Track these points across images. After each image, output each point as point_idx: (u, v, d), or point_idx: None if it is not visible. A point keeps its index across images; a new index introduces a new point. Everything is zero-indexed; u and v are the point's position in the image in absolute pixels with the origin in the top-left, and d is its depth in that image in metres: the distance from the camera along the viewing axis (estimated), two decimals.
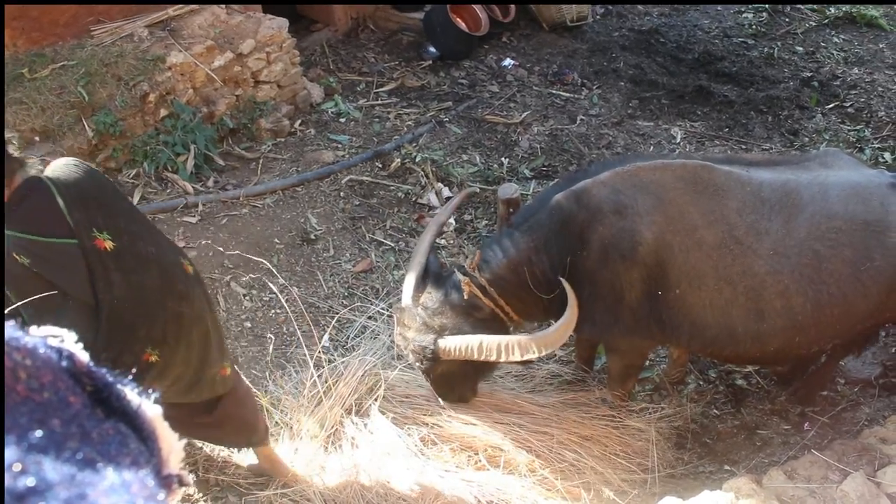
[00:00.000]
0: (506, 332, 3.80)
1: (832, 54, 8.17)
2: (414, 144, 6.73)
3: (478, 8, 8.29)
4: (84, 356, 0.79)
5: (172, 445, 0.81)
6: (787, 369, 4.66)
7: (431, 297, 3.74)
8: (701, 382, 4.79)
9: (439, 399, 4.07)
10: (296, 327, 4.99)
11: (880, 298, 3.58)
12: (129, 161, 5.96)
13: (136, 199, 5.73)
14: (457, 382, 3.92)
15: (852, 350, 4.38)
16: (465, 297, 3.65)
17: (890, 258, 3.50)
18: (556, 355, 4.67)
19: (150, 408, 0.81)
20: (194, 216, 5.71)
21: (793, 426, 4.47)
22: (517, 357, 3.52)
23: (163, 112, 6.06)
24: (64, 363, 0.75)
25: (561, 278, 3.61)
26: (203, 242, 5.49)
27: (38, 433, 0.64)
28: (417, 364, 3.78)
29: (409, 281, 3.81)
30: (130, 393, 0.80)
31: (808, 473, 3.50)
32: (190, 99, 6.23)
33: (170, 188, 5.96)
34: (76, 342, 0.79)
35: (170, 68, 6.03)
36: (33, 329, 0.77)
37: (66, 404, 0.71)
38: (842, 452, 3.59)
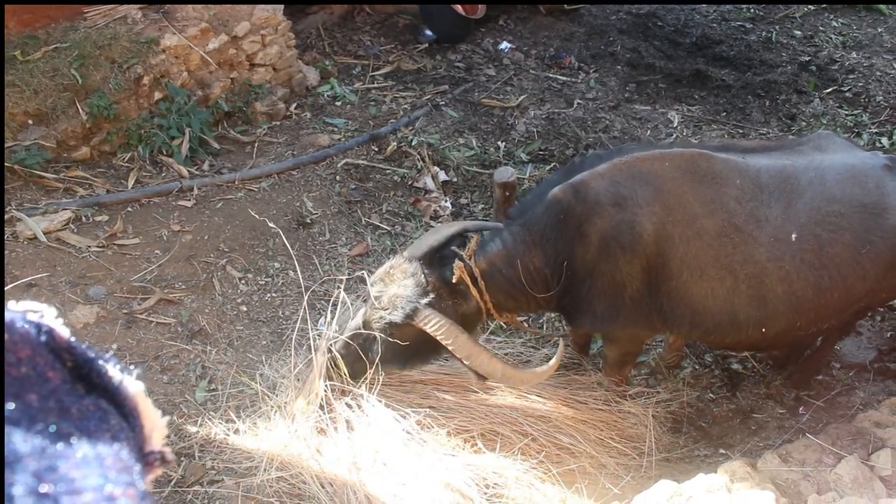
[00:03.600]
0: (481, 323, 3.81)
1: (830, 38, 8.13)
2: (410, 128, 6.70)
3: None
4: (65, 331, 0.77)
5: (155, 422, 0.80)
6: (783, 354, 4.67)
7: (435, 268, 3.69)
8: (697, 367, 4.80)
9: (341, 360, 3.85)
10: (292, 311, 5.01)
11: (877, 279, 3.60)
12: (123, 144, 5.92)
13: (130, 184, 5.70)
14: (387, 353, 3.74)
15: (847, 332, 4.39)
16: (455, 280, 3.62)
17: (888, 239, 3.51)
18: (552, 339, 4.67)
19: (131, 384, 0.79)
20: (189, 200, 5.68)
21: (788, 410, 4.48)
22: (480, 369, 3.52)
23: (157, 95, 6.02)
24: (43, 338, 0.74)
25: (560, 339, 3.62)
26: (198, 226, 5.46)
27: (11, 406, 0.62)
28: (383, 311, 3.57)
29: (426, 243, 3.75)
30: (112, 369, 0.78)
31: (803, 457, 3.51)
32: (184, 82, 6.18)
33: (165, 172, 5.92)
34: (56, 317, 0.78)
35: (164, 51, 5.98)
36: (12, 304, 0.75)
37: (44, 379, 0.70)
38: (836, 436, 3.59)
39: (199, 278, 5.10)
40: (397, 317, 3.54)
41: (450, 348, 3.51)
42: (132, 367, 0.81)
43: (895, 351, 4.79)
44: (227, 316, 4.92)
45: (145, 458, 0.77)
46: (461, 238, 3.88)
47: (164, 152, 5.99)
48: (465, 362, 3.54)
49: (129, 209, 5.52)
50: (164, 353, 4.53)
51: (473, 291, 3.66)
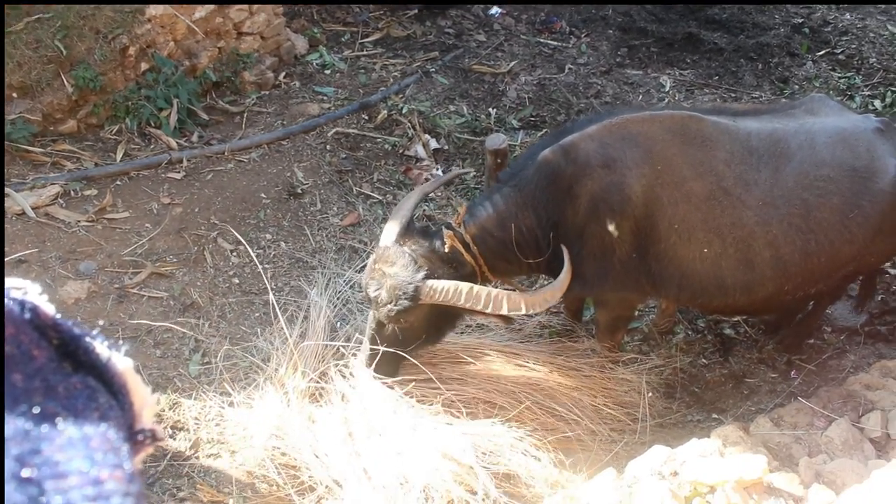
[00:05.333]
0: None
1: None
2: (400, 96, 6.64)
3: None
4: (50, 308, 0.76)
5: (145, 399, 0.79)
6: (775, 318, 4.68)
7: (418, 243, 3.66)
8: (689, 332, 4.81)
9: (372, 367, 3.81)
10: (284, 282, 4.99)
11: (865, 243, 3.62)
12: (110, 117, 5.85)
13: (119, 157, 5.65)
14: (408, 341, 3.73)
15: (837, 296, 4.41)
16: (447, 250, 3.60)
17: (876, 204, 3.52)
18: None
19: (120, 361, 0.78)
20: (179, 172, 5.64)
21: (780, 374, 4.51)
22: (504, 310, 3.48)
23: (144, 66, 5.94)
24: (27, 315, 0.72)
25: (561, 244, 3.57)
26: (189, 198, 5.43)
27: None
28: (389, 304, 3.53)
29: (392, 227, 3.71)
30: (100, 346, 0.77)
31: (795, 420, 3.54)
32: (171, 52, 6.10)
33: (153, 144, 5.87)
34: (40, 294, 0.76)
35: (149, 20, 5.89)
36: None
37: (29, 358, 0.68)
38: (827, 399, 3.62)
39: (190, 251, 5.08)
40: (404, 304, 3.50)
41: (466, 306, 3.48)
42: (120, 343, 0.79)
43: (886, 314, 4.81)
44: (219, 288, 4.90)
45: (135, 437, 0.76)
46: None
47: (153, 124, 5.92)
48: (486, 311, 3.50)
49: (118, 182, 5.47)
50: (156, 327, 4.52)
51: (467, 257, 3.65)
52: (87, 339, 0.76)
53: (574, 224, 3.59)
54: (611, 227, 3.53)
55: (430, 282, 3.48)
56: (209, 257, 5.07)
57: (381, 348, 3.70)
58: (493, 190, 3.80)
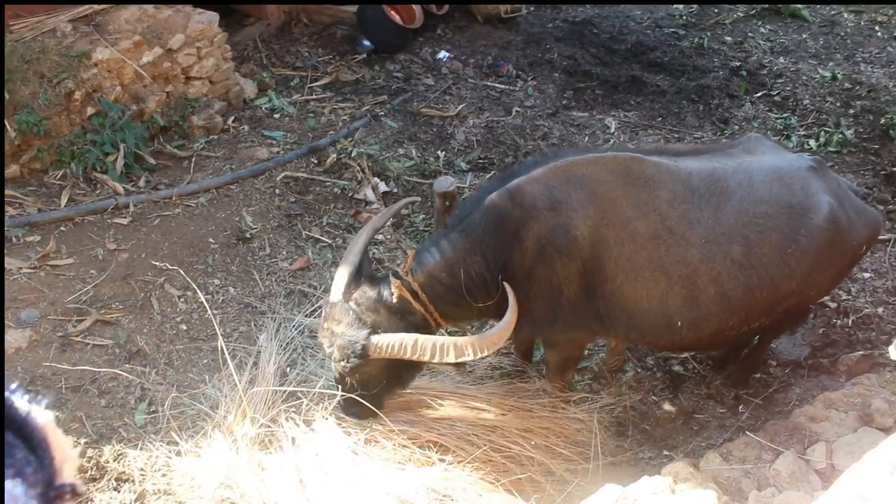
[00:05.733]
0: (432, 331, 3.76)
1: (759, 44, 8.35)
2: (349, 139, 6.67)
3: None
4: None
5: (66, 454, 0.77)
6: (722, 354, 4.76)
7: (365, 294, 3.64)
8: (639, 370, 4.86)
9: (343, 413, 3.89)
10: (233, 328, 4.93)
11: (804, 278, 3.72)
12: (55, 162, 5.78)
13: (63, 202, 5.56)
14: (372, 389, 3.76)
15: (782, 330, 4.50)
16: (395, 300, 3.60)
17: (812, 239, 3.62)
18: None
19: (41, 415, 0.76)
20: (125, 217, 5.56)
21: (728, 409, 4.56)
22: (451, 359, 3.48)
23: (90, 110, 5.88)
24: None
25: (504, 283, 3.59)
26: (135, 244, 5.35)
27: None
28: (341, 363, 3.57)
29: (341, 277, 3.70)
30: (19, 400, 0.75)
31: (743, 454, 3.58)
32: (118, 96, 6.06)
33: (99, 189, 5.79)
34: None
35: (96, 65, 5.85)
36: None
37: None
38: (774, 432, 3.68)
39: (136, 297, 4.99)
40: (354, 362, 3.52)
41: (413, 358, 3.48)
42: (40, 397, 0.77)
43: (827, 347, 4.92)
44: (167, 335, 4.82)
45: (56, 492, 0.74)
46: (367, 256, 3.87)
47: (98, 169, 5.85)
48: (434, 361, 3.52)
49: (63, 228, 5.38)
50: (101, 375, 4.41)
51: (416, 306, 3.64)
52: (6, 393, 0.75)
53: (522, 266, 3.61)
54: (558, 269, 3.56)
55: (374, 339, 3.48)
56: (156, 303, 4.99)
57: (348, 395, 3.71)
58: (440, 236, 3.81)
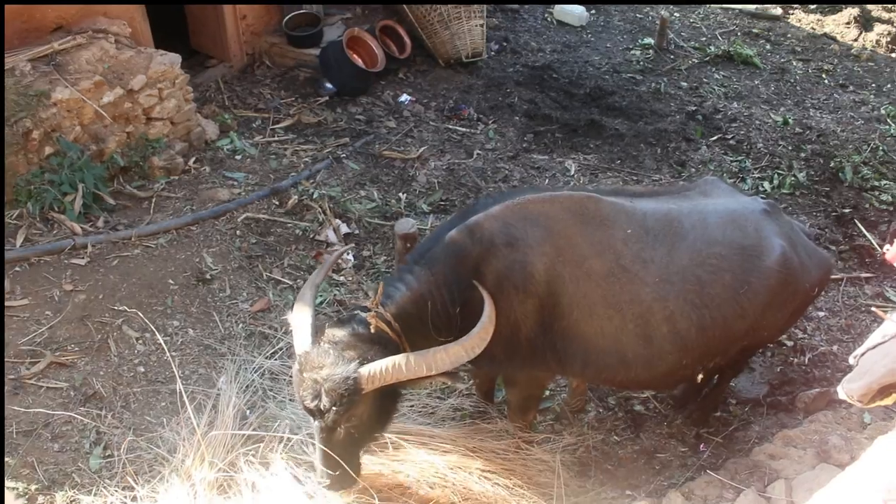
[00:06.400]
0: None
1: (714, 89, 8.59)
2: (311, 181, 6.68)
3: (374, 44, 8.35)
4: None
5: None
6: (682, 393, 4.80)
7: (336, 335, 3.48)
8: (601, 410, 4.88)
9: (328, 489, 3.59)
10: (192, 370, 4.86)
11: (756, 318, 3.79)
12: (11, 201, 5.70)
13: (18, 242, 5.47)
14: (363, 437, 3.58)
15: (740, 369, 4.56)
16: (373, 331, 3.53)
17: (764, 280, 3.70)
18: (456, 389, 4.64)
19: None
20: (83, 258, 5.49)
21: (689, 448, 4.60)
22: (447, 366, 3.34)
23: (48, 150, 5.83)
24: None
25: (475, 281, 3.55)
26: (92, 285, 5.27)
27: None
28: (334, 407, 3.30)
29: (304, 326, 3.55)
30: None
31: (705, 493, 3.61)
32: (77, 136, 6.01)
33: (56, 229, 5.71)
34: None
35: (55, 104, 5.81)
36: None
37: None
38: (734, 471, 3.72)
39: (93, 339, 4.91)
40: (348, 402, 3.30)
41: (409, 377, 3.33)
42: None
43: (785, 385, 5.00)
44: (124, 378, 4.73)
45: None
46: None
47: (56, 209, 5.78)
48: (431, 374, 3.36)
49: (17, 269, 5.29)
50: (54, 419, 4.31)
51: (392, 335, 3.57)
52: None
53: (482, 303, 3.62)
54: (516, 305, 3.58)
55: (365, 368, 3.30)
56: (113, 345, 4.91)
57: (337, 456, 3.46)
58: (404, 271, 3.80)
